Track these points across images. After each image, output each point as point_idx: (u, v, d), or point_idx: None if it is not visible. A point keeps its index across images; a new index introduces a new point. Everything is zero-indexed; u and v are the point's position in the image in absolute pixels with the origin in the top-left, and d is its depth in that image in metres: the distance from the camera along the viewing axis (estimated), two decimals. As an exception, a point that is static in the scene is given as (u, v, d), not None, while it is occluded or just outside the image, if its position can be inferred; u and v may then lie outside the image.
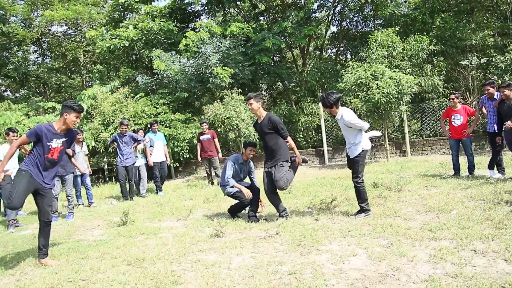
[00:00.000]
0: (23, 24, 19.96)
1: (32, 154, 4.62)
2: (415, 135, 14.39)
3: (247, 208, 6.38)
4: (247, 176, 6.63)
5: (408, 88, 11.12)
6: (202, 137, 10.77)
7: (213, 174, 10.89)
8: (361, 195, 5.54)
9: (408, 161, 11.55)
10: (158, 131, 10.94)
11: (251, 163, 6.60)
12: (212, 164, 10.71)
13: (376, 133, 5.88)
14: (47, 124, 4.66)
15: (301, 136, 15.49)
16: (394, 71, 11.71)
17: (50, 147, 4.61)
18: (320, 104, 14.31)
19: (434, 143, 13.34)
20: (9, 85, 23.81)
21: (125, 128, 9.40)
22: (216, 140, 10.87)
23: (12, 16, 19.55)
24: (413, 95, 12.00)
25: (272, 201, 5.92)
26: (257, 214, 6.26)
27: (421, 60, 13.60)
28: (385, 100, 10.93)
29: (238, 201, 6.29)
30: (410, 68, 12.88)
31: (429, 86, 13.41)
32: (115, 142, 9.50)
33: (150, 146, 10.32)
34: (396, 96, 11.02)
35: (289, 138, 5.84)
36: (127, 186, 9.65)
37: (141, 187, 9.92)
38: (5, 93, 23.87)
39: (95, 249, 5.17)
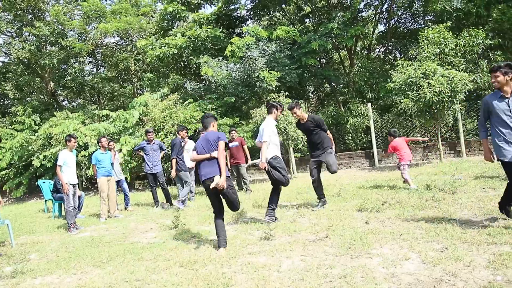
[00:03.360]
0: (79, 37, 21.07)
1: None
2: (470, 135, 13.77)
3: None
4: None
5: (462, 86, 10.68)
6: (230, 144, 10.85)
7: (242, 181, 10.97)
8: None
9: (463, 162, 11.08)
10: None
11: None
12: (239, 170, 10.80)
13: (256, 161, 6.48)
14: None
15: (350, 137, 15.27)
16: (447, 68, 11.29)
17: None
18: (369, 105, 14.05)
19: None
20: (67, 95, 25.23)
21: (151, 135, 9.98)
22: (245, 147, 10.93)
23: (70, 30, 20.70)
24: (467, 93, 11.50)
25: (319, 189, 7.02)
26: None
27: (476, 55, 13.00)
28: (437, 99, 10.57)
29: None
30: (464, 64, 12.36)
31: (486, 83, 12.81)
32: (141, 150, 10.03)
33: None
34: (449, 94, 10.62)
35: (329, 131, 7.14)
36: (158, 192, 10.19)
37: (192, 189, 10.27)
38: (64, 103, 25.28)
39: (149, 251, 5.38)
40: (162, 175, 9.95)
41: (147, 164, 9.86)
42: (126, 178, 12.63)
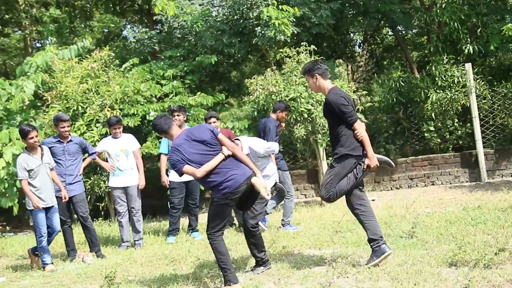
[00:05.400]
0: None
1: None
2: None
3: None
4: None
5: None
6: None
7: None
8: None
9: None
10: (186, 123, 11.18)
11: None
12: None
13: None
14: None
15: (432, 128, 15.19)
16: None
17: None
18: (468, 66, 13.94)
19: None
20: None
21: (67, 127, 9.81)
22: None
23: None
24: None
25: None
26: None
27: None
28: None
29: None
30: None
31: None
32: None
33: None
34: None
35: (357, 125, 6.84)
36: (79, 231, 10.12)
37: (137, 225, 10.32)
38: None
39: None
40: (83, 200, 9.90)
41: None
42: (11, 207, 12.63)
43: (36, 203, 8.80)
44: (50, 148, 9.61)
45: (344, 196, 6.96)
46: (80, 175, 9.88)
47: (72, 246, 9.78)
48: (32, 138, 9.01)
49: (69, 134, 9.92)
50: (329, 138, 7.54)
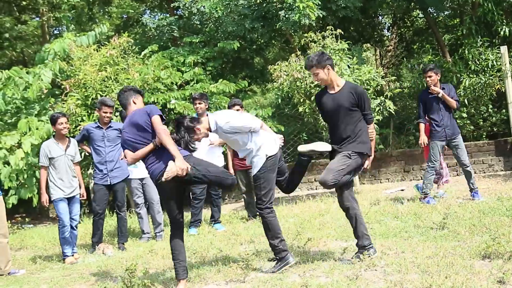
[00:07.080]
0: None
1: None
2: None
3: None
4: None
5: None
6: None
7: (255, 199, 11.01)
8: (269, 229, 7.02)
9: None
10: (208, 111, 11.19)
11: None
12: (250, 179, 10.80)
13: (323, 146, 7.08)
14: None
15: (465, 113, 15.09)
16: None
17: None
18: (503, 49, 13.83)
19: None
20: None
21: (109, 114, 9.80)
22: None
23: None
24: None
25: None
26: None
27: None
28: None
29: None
30: None
31: None
32: (85, 142, 9.97)
33: None
34: None
35: (372, 126, 7.13)
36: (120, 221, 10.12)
37: (157, 217, 10.43)
38: None
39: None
40: (123, 189, 9.99)
41: (98, 168, 9.77)
42: (30, 198, 12.70)
43: (45, 200, 9.30)
44: (90, 134, 9.71)
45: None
46: (120, 161, 9.67)
47: (97, 239, 9.82)
48: (61, 123, 9.23)
49: (110, 119, 9.88)
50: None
